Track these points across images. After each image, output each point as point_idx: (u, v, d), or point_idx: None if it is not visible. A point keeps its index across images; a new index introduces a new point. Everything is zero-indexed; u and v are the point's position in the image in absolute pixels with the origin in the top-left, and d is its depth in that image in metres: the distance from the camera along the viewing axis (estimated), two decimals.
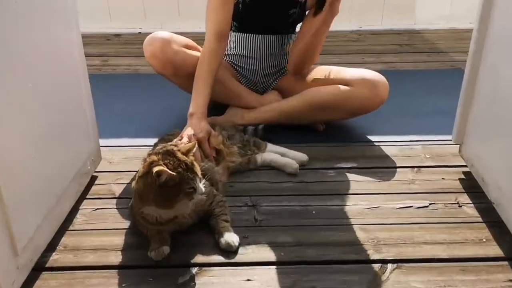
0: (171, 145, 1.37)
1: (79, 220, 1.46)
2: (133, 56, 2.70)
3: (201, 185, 1.29)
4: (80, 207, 1.50)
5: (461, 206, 1.50)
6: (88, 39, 2.91)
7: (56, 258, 1.31)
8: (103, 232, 1.41)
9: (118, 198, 1.55)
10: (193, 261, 1.30)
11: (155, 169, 1.22)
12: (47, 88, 1.31)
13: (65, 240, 1.38)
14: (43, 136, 1.28)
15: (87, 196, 1.55)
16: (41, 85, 1.27)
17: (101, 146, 1.70)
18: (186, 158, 1.29)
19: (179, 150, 1.30)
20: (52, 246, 1.34)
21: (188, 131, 1.60)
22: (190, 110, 1.68)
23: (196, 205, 1.33)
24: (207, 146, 1.61)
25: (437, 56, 2.73)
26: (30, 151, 1.22)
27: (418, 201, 1.52)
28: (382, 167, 1.70)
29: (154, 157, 1.28)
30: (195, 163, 1.31)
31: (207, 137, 1.62)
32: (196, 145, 1.51)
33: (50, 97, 1.33)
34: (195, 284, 1.23)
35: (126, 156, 1.77)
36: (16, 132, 1.16)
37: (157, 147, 1.38)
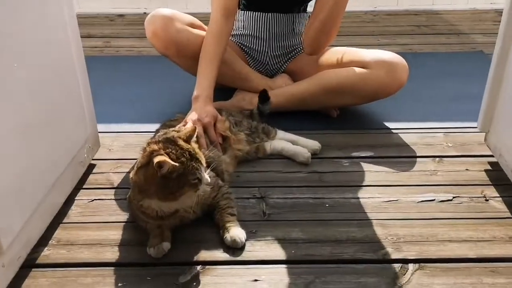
0: (173, 130, 1.27)
1: (74, 212, 1.36)
2: (137, 37, 2.60)
3: (207, 175, 1.19)
4: (76, 198, 1.41)
5: (488, 200, 1.38)
6: (91, 20, 2.84)
7: (47, 254, 1.22)
8: (99, 226, 1.31)
9: (117, 188, 1.46)
10: (195, 258, 1.20)
11: (156, 159, 1.12)
12: (36, 70, 1.20)
13: (58, 234, 1.28)
14: (31, 122, 1.18)
15: (84, 186, 1.46)
16: (29, 67, 1.17)
17: (100, 132, 1.61)
18: (189, 146, 1.19)
19: (180, 137, 1.19)
20: (43, 241, 1.24)
21: (192, 116, 1.50)
22: (195, 93, 1.58)
23: (200, 197, 1.23)
24: (212, 132, 1.50)
25: (457, 38, 2.61)
26: (16, 138, 1.12)
27: (440, 194, 1.40)
28: (401, 156, 1.59)
29: (155, 146, 1.17)
30: (198, 151, 1.21)
31: (213, 122, 1.51)
32: (200, 130, 1.41)
33: (40, 80, 1.22)
34: (197, 284, 1.13)
35: (127, 142, 1.68)
36: (1, 116, 1.05)
37: (158, 134, 1.28)
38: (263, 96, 1.69)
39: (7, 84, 1.08)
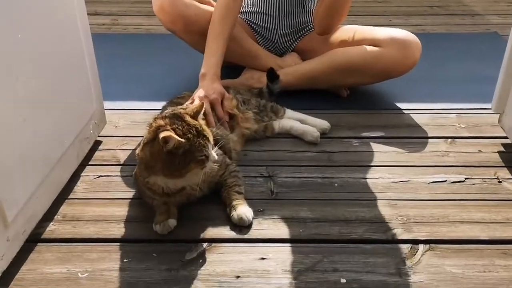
0: (180, 108, 1.24)
1: (80, 188, 1.35)
2: (145, 15, 2.57)
3: (214, 152, 1.16)
4: (82, 174, 1.40)
5: (501, 182, 1.35)
6: None
7: (53, 229, 1.20)
8: (105, 202, 1.30)
9: (123, 165, 1.44)
10: (201, 236, 1.19)
11: (162, 134, 1.09)
12: (41, 45, 1.18)
13: (64, 209, 1.27)
14: (36, 97, 1.16)
15: (90, 163, 1.45)
16: (35, 42, 1.15)
17: (106, 109, 1.59)
18: (196, 122, 1.17)
19: (187, 113, 1.17)
20: (49, 216, 1.23)
21: (199, 93, 1.48)
22: (202, 70, 1.55)
23: (207, 175, 1.21)
24: (220, 109, 1.47)
25: (471, 19, 2.55)
26: (21, 112, 1.10)
27: (452, 175, 1.37)
28: (412, 137, 1.56)
29: (161, 122, 1.15)
30: (206, 127, 1.19)
31: (220, 99, 1.48)
32: (207, 107, 1.39)
33: (45, 56, 1.20)
34: (203, 261, 1.11)
35: (133, 120, 1.66)
36: (4, 91, 1.03)
37: (165, 111, 1.26)
38: (271, 74, 1.65)
39: (12, 59, 1.06)
